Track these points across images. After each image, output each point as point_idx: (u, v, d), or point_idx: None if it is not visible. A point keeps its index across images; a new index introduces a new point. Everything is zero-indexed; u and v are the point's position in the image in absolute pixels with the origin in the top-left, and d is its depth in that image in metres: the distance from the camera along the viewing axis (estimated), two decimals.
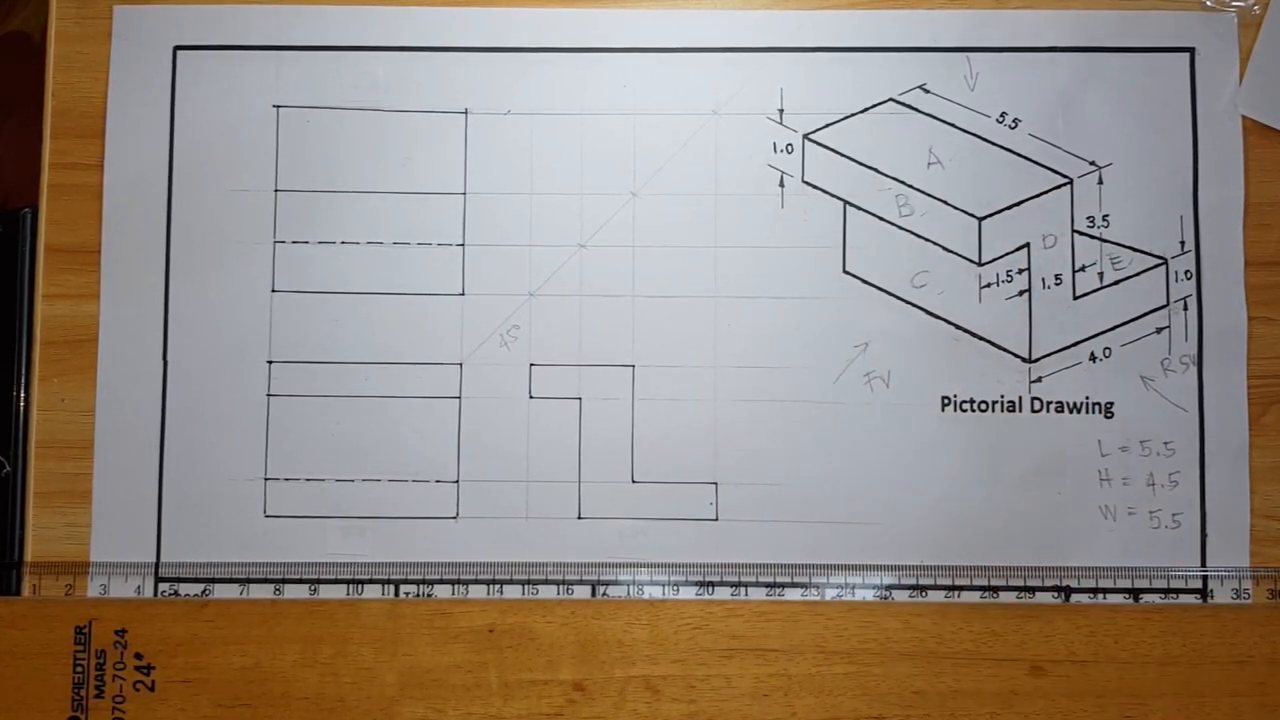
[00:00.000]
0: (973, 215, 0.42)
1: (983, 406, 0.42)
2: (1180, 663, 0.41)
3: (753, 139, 0.43)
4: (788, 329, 0.42)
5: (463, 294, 0.43)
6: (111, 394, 0.43)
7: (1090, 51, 0.43)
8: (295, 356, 0.43)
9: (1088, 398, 0.42)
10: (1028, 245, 0.42)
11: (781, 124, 0.43)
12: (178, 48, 0.43)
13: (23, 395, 0.43)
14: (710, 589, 0.42)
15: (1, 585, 0.42)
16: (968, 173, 0.42)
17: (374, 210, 0.43)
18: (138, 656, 0.41)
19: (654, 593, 0.42)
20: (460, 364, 0.43)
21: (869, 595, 0.42)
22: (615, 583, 0.42)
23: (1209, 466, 0.42)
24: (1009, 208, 0.42)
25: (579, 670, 0.41)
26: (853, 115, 0.43)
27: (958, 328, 0.42)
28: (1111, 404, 0.42)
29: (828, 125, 0.43)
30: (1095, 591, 0.41)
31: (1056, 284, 0.42)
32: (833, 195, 0.43)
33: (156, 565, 0.42)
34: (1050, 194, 0.42)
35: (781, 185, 0.43)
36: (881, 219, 0.42)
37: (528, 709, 0.41)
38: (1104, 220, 0.42)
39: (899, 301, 0.42)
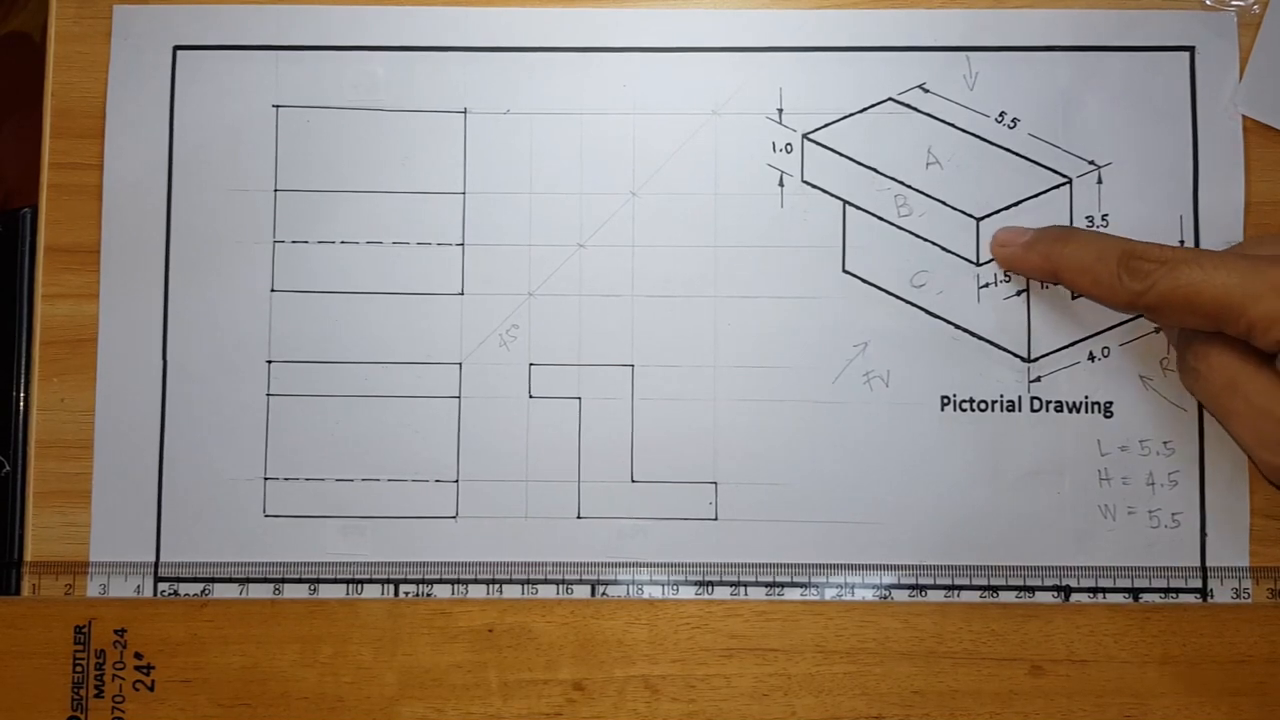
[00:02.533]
0: (971, 215, 0.42)
1: (982, 406, 0.42)
2: (1180, 662, 0.41)
3: (752, 139, 0.43)
4: (787, 329, 0.42)
5: (462, 294, 0.43)
6: (111, 394, 0.43)
7: (1090, 51, 0.43)
8: (295, 356, 0.43)
9: (1087, 397, 0.42)
10: None
11: (781, 124, 0.43)
12: (177, 47, 0.43)
13: (22, 395, 0.43)
14: (710, 589, 0.42)
15: (1, 585, 0.42)
16: (967, 173, 0.42)
17: (374, 210, 0.43)
18: (137, 656, 0.41)
19: (653, 592, 0.42)
20: (460, 364, 0.43)
21: (869, 595, 0.42)
22: (615, 582, 0.42)
23: (1209, 466, 0.42)
24: (1008, 208, 0.42)
25: (578, 670, 0.41)
26: (852, 115, 0.43)
27: (957, 327, 0.42)
28: (1111, 403, 0.42)
29: (827, 125, 0.43)
30: (1095, 591, 0.41)
31: (1055, 283, 0.42)
32: (832, 195, 0.43)
33: (156, 565, 0.42)
34: (1049, 193, 0.42)
35: (781, 185, 0.43)
36: (881, 219, 0.42)
37: (527, 709, 0.41)
38: (1104, 220, 0.42)
39: (898, 301, 0.42)
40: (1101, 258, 0.37)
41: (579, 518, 0.42)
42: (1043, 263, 0.39)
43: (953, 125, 0.43)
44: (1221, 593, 0.41)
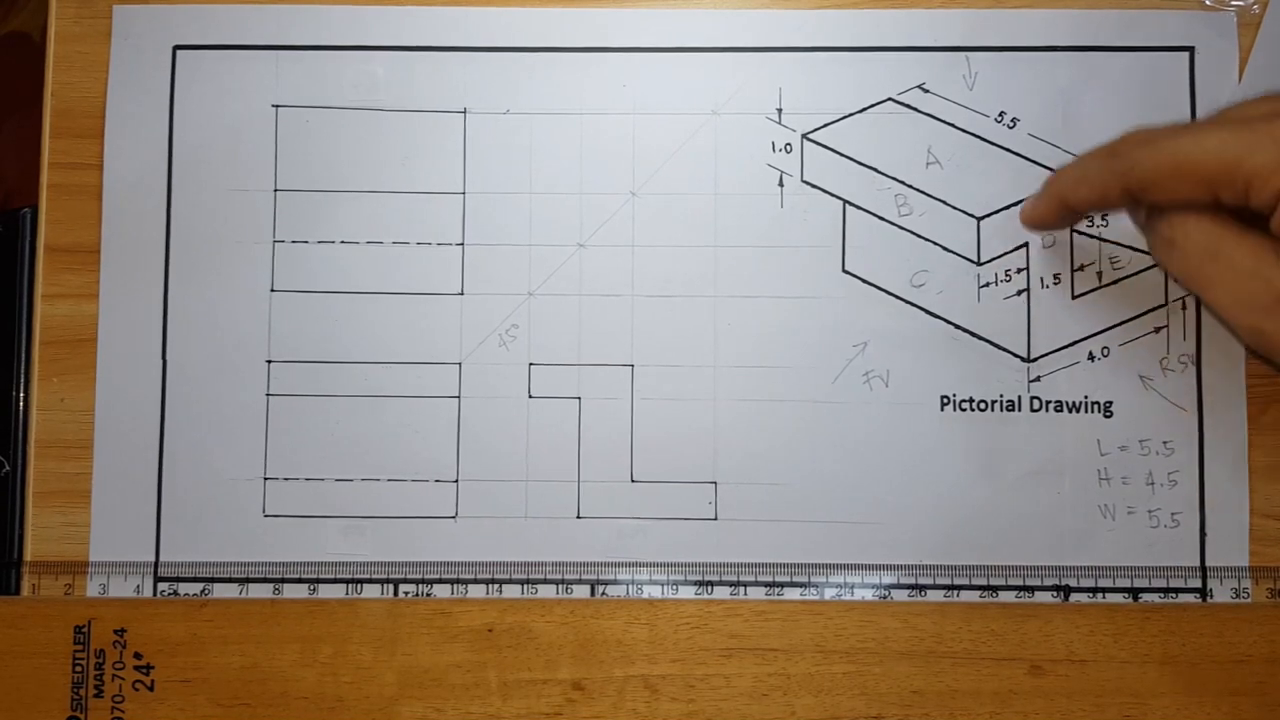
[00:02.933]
0: (971, 215, 0.42)
1: (982, 406, 0.42)
2: (1180, 662, 0.41)
3: (752, 139, 0.43)
4: (787, 329, 0.42)
5: (462, 294, 0.43)
6: (111, 394, 0.43)
7: (1090, 51, 0.43)
8: (295, 356, 0.43)
9: (1086, 397, 0.42)
10: (1026, 245, 0.42)
11: (780, 124, 0.43)
12: (177, 47, 0.43)
13: (22, 395, 0.43)
14: (709, 588, 0.42)
15: (1, 585, 0.42)
16: (967, 172, 0.42)
17: (374, 210, 0.43)
18: (137, 656, 0.41)
19: (653, 592, 0.42)
20: (459, 364, 0.43)
21: (868, 595, 0.42)
22: (614, 582, 0.42)
23: (1208, 466, 0.42)
24: (1008, 207, 0.42)
25: (578, 670, 0.41)
26: (852, 115, 0.43)
27: (957, 327, 0.42)
28: (1110, 403, 0.42)
29: (827, 125, 0.43)
30: (1095, 591, 0.41)
31: (1055, 283, 0.42)
32: (832, 195, 0.43)
33: (156, 565, 0.42)
34: None
35: (781, 185, 0.43)
36: (881, 218, 0.43)
37: (527, 708, 0.41)
38: (1103, 220, 0.42)
39: (898, 301, 0.42)
40: (1090, 158, 0.37)
41: (579, 518, 0.42)
42: (1051, 201, 0.39)
43: (953, 125, 0.43)
44: (1221, 593, 0.41)
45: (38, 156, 0.43)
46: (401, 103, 0.43)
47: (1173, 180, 0.34)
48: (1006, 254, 0.42)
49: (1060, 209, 0.39)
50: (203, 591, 0.42)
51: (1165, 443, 0.42)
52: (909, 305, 0.42)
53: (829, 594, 0.41)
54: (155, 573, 0.42)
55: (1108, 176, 0.36)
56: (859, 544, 0.42)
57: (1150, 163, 0.35)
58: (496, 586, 0.42)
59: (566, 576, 0.42)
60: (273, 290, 0.43)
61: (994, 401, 0.42)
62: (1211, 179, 0.34)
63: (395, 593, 0.42)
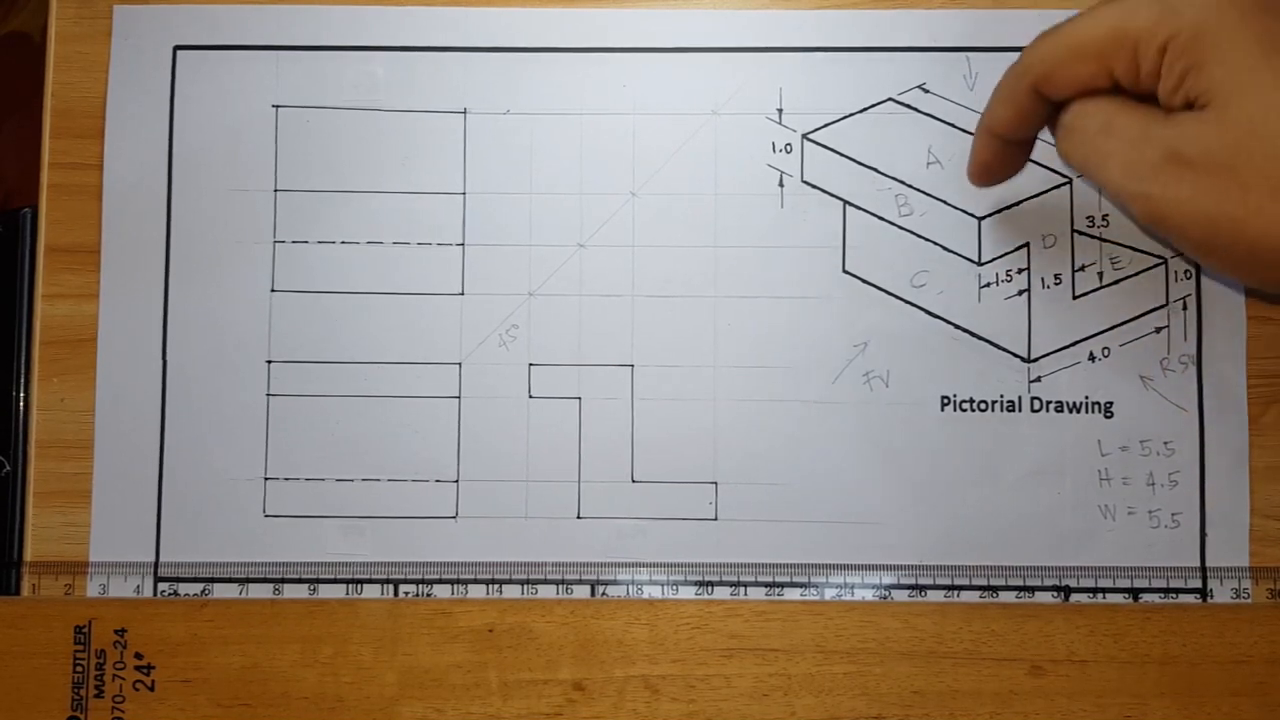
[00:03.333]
0: (972, 215, 0.42)
1: (982, 406, 0.42)
2: (1180, 662, 0.41)
3: (752, 139, 0.43)
4: (787, 329, 0.42)
5: (462, 294, 0.43)
6: (111, 394, 0.43)
7: None
8: (295, 356, 0.43)
9: (1087, 397, 0.42)
10: (1027, 245, 0.42)
11: (781, 124, 0.43)
12: (178, 48, 0.43)
13: (22, 395, 0.43)
14: (710, 589, 0.42)
15: (1, 585, 0.42)
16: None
17: (374, 210, 0.43)
18: (137, 656, 0.41)
19: (653, 592, 0.42)
20: (459, 364, 0.43)
21: (868, 595, 0.42)
22: (615, 582, 0.42)
23: (1209, 466, 0.42)
24: (1008, 207, 0.42)
25: (578, 670, 0.41)
26: (852, 115, 0.43)
27: (957, 327, 0.42)
28: (1111, 404, 0.42)
29: (827, 125, 0.43)
30: (1095, 591, 0.41)
31: (1056, 284, 0.42)
32: (832, 195, 0.43)
33: (156, 565, 0.42)
34: (1050, 194, 0.42)
35: (781, 185, 0.43)
36: (881, 219, 0.43)
37: (527, 709, 0.41)
38: (1103, 220, 0.42)
39: (898, 301, 0.42)
40: (1002, 76, 0.37)
41: (579, 518, 0.42)
42: (985, 140, 0.38)
43: (953, 125, 0.43)
44: (1221, 593, 0.41)
45: (38, 156, 0.43)
46: (401, 103, 0.43)
47: (1070, 63, 0.34)
48: (1007, 254, 0.42)
49: (995, 144, 0.38)
50: (203, 592, 0.42)
51: (1166, 443, 0.42)
52: (909, 305, 0.42)
53: (829, 594, 0.41)
54: (155, 573, 0.42)
55: (1015, 82, 0.36)
56: (859, 544, 0.42)
57: (1048, 50, 0.35)
58: (497, 587, 0.42)
59: (567, 577, 0.42)
60: (273, 290, 0.43)
61: (994, 402, 0.42)
62: (1103, 52, 0.34)
63: (395, 593, 0.42)
